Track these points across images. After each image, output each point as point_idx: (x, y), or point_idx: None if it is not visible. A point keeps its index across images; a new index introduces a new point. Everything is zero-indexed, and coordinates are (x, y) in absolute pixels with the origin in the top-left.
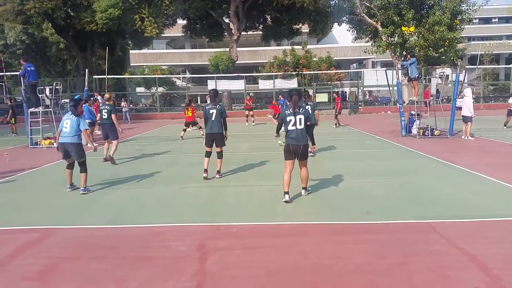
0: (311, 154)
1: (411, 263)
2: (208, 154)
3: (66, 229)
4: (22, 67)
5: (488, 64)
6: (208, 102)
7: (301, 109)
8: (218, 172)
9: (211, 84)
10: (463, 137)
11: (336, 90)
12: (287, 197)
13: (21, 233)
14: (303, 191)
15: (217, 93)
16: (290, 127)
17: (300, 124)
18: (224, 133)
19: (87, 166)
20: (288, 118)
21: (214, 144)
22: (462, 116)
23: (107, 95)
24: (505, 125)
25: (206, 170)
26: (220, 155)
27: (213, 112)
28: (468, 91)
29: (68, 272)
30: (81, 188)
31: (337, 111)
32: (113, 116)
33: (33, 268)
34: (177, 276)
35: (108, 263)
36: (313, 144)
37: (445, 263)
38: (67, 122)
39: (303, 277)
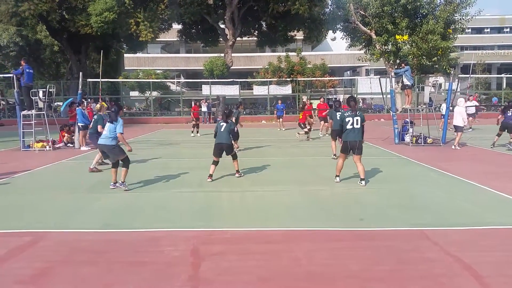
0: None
1: (404, 271)
2: (215, 163)
3: (59, 233)
4: (21, 67)
5: (480, 73)
6: (220, 119)
7: (358, 112)
8: (238, 171)
9: (205, 89)
10: (452, 146)
11: (329, 97)
12: (338, 179)
13: (13, 236)
14: (363, 182)
15: (231, 113)
16: (348, 126)
17: (357, 124)
18: (232, 143)
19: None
20: (347, 119)
21: (225, 153)
22: (454, 125)
23: (98, 105)
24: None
25: (210, 176)
26: (234, 157)
27: (223, 125)
28: (461, 101)
29: (60, 276)
30: (119, 182)
31: None
32: (99, 127)
33: (26, 271)
34: (170, 281)
35: (100, 267)
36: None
37: (438, 270)
38: (107, 125)
39: (296, 284)
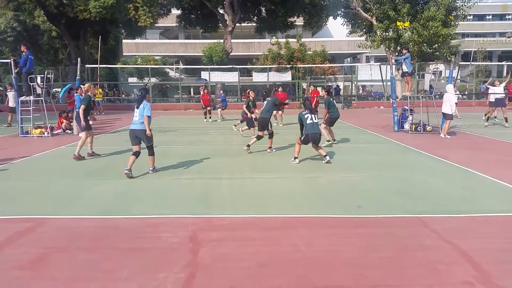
0: (335, 142)
1: (402, 257)
2: (260, 138)
3: (57, 219)
4: (23, 54)
5: (481, 61)
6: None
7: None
8: (270, 147)
9: (204, 76)
10: (441, 135)
11: (330, 84)
12: (296, 160)
13: (12, 222)
14: (327, 157)
15: (269, 92)
16: (308, 121)
17: (316, 119)
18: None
19: (154, 150)
20: (306, 116)
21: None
22: (442, 113)
23: (86, 86)
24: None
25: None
26: (270, 135)
27: (265, 102)
28: (450, 88)
29: (59, 262)
30: (150, 169)
31: None
32: (81, 107)
33: (24, 257)
34: (169, 267)
35: (99, 253)
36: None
37: (435, 257)
38: (137, 111)
39: (294, 270)
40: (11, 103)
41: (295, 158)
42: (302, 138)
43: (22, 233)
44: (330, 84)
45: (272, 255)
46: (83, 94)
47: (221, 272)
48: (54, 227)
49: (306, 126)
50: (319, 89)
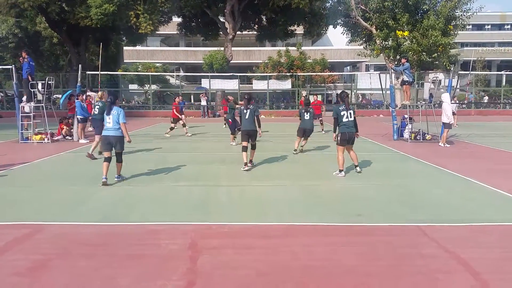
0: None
1: (401, 266)
2: (245, 149)
3: (56, 225)
4: (25, 60)
5: (480, 70)
6: (242, 104)
7: (351, 106)
8: (251, 161)
9: (205, 83)
10: (440, 144)
11: (329, 92)
12: (343, 173)
13: (11, 228)
14: (357, 168)
15: (251, 98)
16: (344, 119)
17: (351, 117)
18: (258, 130)
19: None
20: (342, 113)
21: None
22: (442, 122)
23: (99, 93)
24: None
25: (246, 164)
26: (253, 146)
27: (246, 112)
28: (445, 97)
29: (58, 268)
30: (116, 176)
31: None
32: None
33: (23, 263)
34: (167, 274)
35: (98, 260)
36: (356, 131)
37: (435, 266)
38: (110, 117)
39: (293, 278)
40: (27, 109)
41: (340, 171)
42: (339, 137)
43: (21, 239)
44: (330, 92)
45: (272, 263)
46: (84, 102)
47: (221, 280)
48: (53, 234)
49: (342, 123)
50: (319, 97)
